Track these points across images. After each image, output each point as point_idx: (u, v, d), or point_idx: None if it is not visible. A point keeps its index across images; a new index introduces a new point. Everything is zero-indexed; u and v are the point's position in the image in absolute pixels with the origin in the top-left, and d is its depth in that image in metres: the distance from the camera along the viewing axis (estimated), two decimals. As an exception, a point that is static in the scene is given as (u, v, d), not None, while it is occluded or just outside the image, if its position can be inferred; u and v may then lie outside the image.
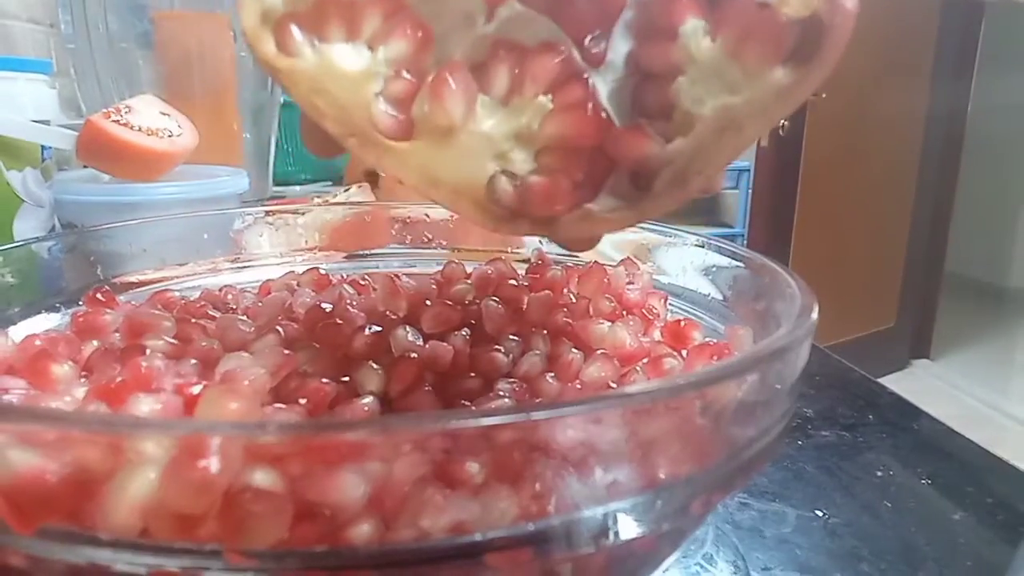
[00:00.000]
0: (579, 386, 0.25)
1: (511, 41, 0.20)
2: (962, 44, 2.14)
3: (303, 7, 0.19)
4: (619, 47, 0.20)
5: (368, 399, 0.22)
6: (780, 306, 0.25)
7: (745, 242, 2.20)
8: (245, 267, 0.41)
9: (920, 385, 2.16)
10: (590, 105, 0.20)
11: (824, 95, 1.79)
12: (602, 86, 0.20)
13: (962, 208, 2.30)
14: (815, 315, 0.20)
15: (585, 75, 0.20)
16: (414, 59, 0.20)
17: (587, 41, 0.20)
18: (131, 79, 0.87)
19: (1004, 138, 2.56)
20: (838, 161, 2.01)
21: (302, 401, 0.20)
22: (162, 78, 0.85)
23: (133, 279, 0.38)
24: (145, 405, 0.17)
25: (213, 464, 0.12)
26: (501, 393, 0.24)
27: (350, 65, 0.20)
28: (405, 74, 0.20)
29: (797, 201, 2.03)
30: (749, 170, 2.31)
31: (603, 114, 0.20)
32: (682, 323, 0.30)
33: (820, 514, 0.31)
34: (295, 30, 0.19)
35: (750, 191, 2.32)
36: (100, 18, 0.86)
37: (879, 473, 0.34)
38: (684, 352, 0.28)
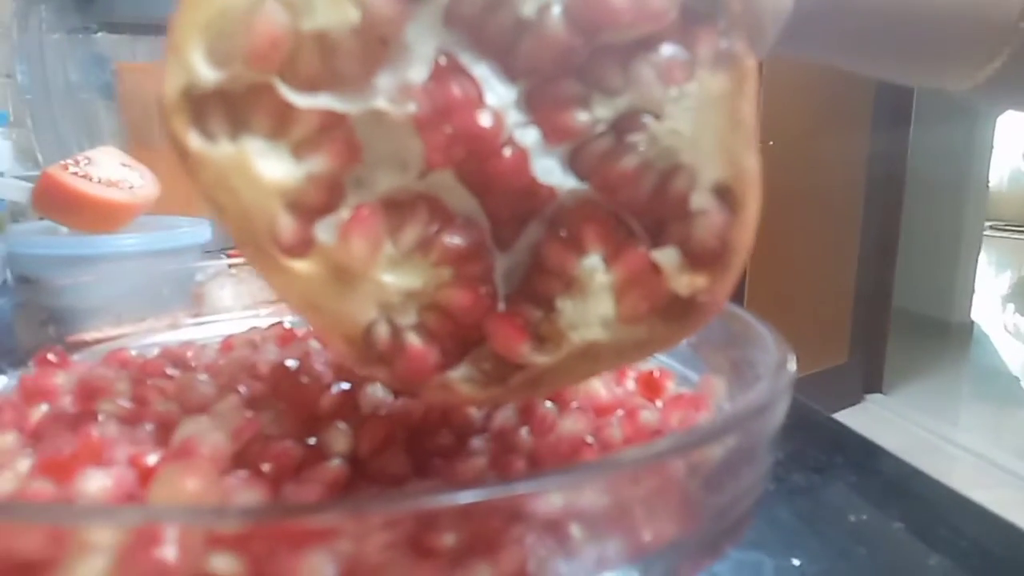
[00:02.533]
0: (554, 440, 0.24)
1: (435, 199, 0.20)
2: (899, 91, 2.22)
3: (236, 88, 0.18)
4: (530, 232, 0.20)
5: (336, 461, 0.21)
6: (750, 353, 0.25)
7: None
8: (207, 322, 0.39)
9: (874, 419, 2.19)
10: (485, 288, 0.20)
11: (772, 143, 1.84)
12: (501, 263, 0.20)
13: (906, 246, 2.37)
14: (793, 366, 0.20)
15: (490, 256, 0.20)
16: (335, 179, 0.19)
17: (504, 226, 0.20)
18: (92, 130, 0.86)
19: (941, 180, 2.66)
20: (785, 203, 2.06)
21: (265, 467, 0.19)
22: (124, 129, 0.84)
23: (88, 337, 0.37)
24: (95, 481, 0.16)
25: (168, 552, 0.11)
26: (475, 450, 0.23)
27: (266, 169, 0.18)
28: (321, 192, 0.19)
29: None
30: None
31: (494, 296, 0.20)
32: (655, 373, 0.29)
33: (797, 563, 0.30)
34: (217, 112, 0.18)
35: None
36: (60, 68, 0.85)
37: (852, 518, 0.34)
38: (659, 403, 0.27)
